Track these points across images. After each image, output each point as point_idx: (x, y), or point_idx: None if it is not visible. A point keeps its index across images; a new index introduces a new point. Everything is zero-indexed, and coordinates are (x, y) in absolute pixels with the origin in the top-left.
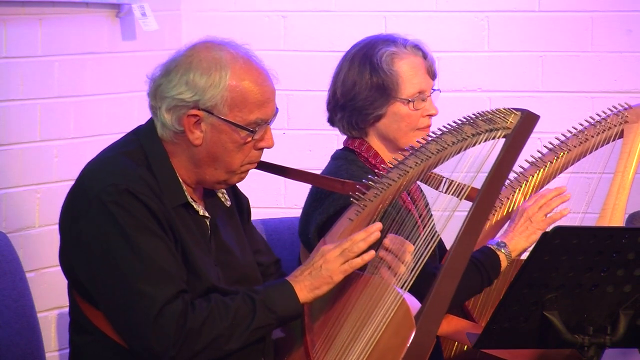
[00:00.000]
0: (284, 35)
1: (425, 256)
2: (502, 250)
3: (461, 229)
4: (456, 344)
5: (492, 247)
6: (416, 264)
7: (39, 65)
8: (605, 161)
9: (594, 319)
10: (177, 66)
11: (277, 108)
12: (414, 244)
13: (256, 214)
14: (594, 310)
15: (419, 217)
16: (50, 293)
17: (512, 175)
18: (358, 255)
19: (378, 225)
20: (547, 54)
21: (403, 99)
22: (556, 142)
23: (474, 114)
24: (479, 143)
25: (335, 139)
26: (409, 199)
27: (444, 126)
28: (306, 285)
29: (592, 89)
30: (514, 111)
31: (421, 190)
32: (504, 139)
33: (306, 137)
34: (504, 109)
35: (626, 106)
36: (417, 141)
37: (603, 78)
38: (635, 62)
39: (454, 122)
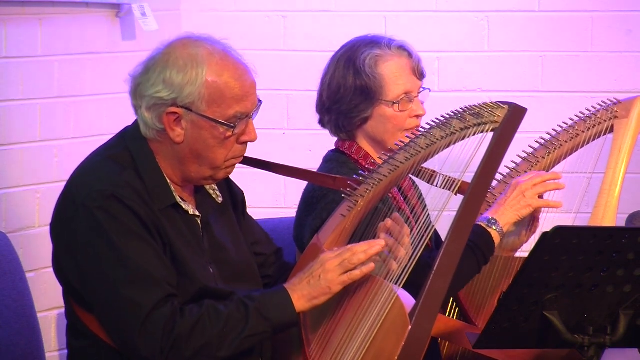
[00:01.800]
0: (284, 35)
1: (419, 250)
2: (494, 227)
3: (452, 224)
4: (454, 346)
5: (482, 225)
6: (410, 258)
7: (39, 65)
8: (596, 159)
9: (594, 319)
10: (155, 64)
11: (259, 100)
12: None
13: (256, 214)
14: (594, 310)
15: (411, 212)
16: (50, 293)
17: (505, 171)
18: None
19: (381, 242)
20: (547, 54)
21: (388, 101)
22: (547, 137)
23: (461, 108)
24: (468, 137)
25: (335, 139)
26: (400, 195)
27: (432, 121)
28: (304, 294)
29: (592, 89)
30: (501, 105)
31: (413, 183)
32: (492, 133)
33: (306, 137)
34: (491, 102)
35: (615, 101)
36: (407, 136)
37: (603, 78)
38: (635, 62)
39: (442, 116)
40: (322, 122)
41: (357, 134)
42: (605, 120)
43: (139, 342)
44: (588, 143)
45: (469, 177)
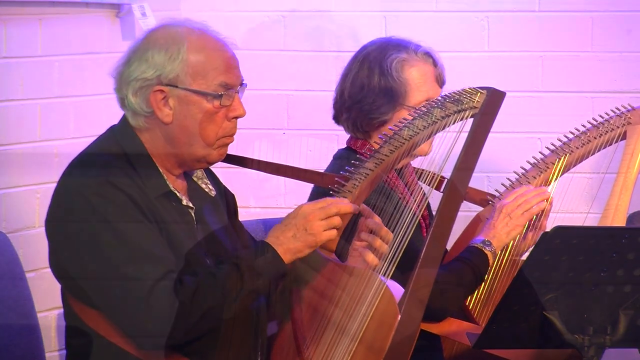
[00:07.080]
0: (284, 35)
1: (411, 229)
2: (488, 249)
3: (437, 211)
4: (456, 343)
5: (478, 247)
6: (400, 242)
7: (39, 65)
8: (608, 162)
9: (594, 319)
10: (136, 51)
11: (244, 82)
12: (399, 218)
13: (256, 214)
14: (594, 310)
15: (407, 188)
16: (50, 293)
17: (513, 177)
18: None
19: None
20: (547, 54)
21: (410, 106)
22: (558, 143)
23: (441, 97)
24: (449, 125)
25: (335, 139)
26: (395, 173)
27: (415, 111)
28: (290, 248)
29: (592, 89)
30: (479, 90)
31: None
32: (472, 119)
33: (306, 137)
34: (469, 88)
35: (629, 108)
36: (390, 128)
37: (603, 78)
38: (635, 62)
39: (423, 106)
40: (336, 119)
41: (373, 135)
42: (618, 127)
43: (146, 318)
44: (599, 150)
45: (450, 166)
